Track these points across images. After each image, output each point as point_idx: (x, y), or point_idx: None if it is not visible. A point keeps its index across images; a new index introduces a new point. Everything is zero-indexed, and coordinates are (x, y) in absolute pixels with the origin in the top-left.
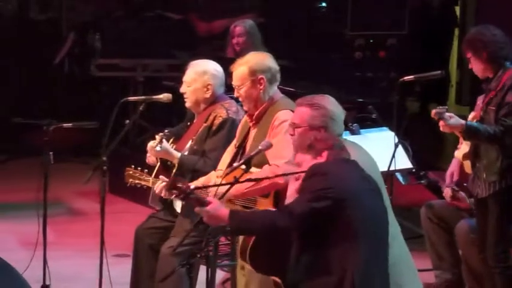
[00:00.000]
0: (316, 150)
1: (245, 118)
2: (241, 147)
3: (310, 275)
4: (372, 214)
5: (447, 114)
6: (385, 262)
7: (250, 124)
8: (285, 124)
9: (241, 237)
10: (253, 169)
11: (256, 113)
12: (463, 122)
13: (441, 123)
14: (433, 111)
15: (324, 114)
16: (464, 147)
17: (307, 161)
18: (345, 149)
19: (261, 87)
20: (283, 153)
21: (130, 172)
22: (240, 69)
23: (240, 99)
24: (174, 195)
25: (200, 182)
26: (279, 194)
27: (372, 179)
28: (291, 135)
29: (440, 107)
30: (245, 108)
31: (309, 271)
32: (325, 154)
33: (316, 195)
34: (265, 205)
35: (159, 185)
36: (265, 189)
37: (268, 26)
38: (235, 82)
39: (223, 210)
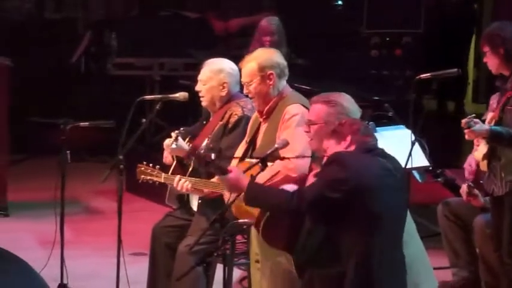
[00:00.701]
0: (340, 135)
1: (256, 114)
2: (251, 143)
3: (318, 261)
4: (388, 210)
5: (474, 120)
6: (397, 259)
7: (261, 119)
8: (296, 118)
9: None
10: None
11: (266, 108)
12: (487, 127)
13: (466, 130)
14: (463, 121)
15: (340, 111)
16: (482, 147)
17: (332, 146)
18: (371, 134)
19: (271, 82)
20: (294, 147)
21: (142, 168)
22: (249, 65)
23: (250, 95)
24: (196, 162)
25: (215, 179)
26: None
27: (396, 172)
28: (306, 132)
29: (469, 116)
30: (255, 104)
31: (317, 256)
32: (348, 138)
33: (330, 184)
34: None
35: (181, 183)
36: (279, 184)
37: (284, 25)
38: (244, 79)
39: (243, 180)
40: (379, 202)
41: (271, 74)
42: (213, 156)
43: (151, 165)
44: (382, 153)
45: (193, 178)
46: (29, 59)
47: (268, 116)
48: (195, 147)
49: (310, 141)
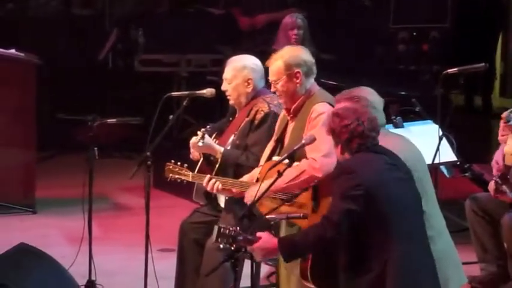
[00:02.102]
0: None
1: (284, 112)
2: (279, 141)
3: (351, 274)
4: (400, 203)
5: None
6: (425, 249)
7: (288, 118)
8: (322, 116)
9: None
10: (294, 163)
11: (294, 106)
12: None
13: (502, 124)
14: (504, 114)
15: (365, 105)
16: (511, 141)
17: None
18: (366, 135)
19: (298, 81)
20: (320, 147)
21: (170, 167)
22: (276, 64)
23: (277, 93)
24: (223, 245)
25: (245, 178)
26: (317, 187)
27: (401, 165)
28: None
29: (510, 110)
30: (282, 102)
31: (349, 270)
32: (339, 147)
33: (347, 195)
34: (305, 198)
35: (211, 183)
36: (304, 183)
37: (310, 20)
38: (271, 77)
39: (273, 242)
40: (392, 197)
41: (298, 72)
42: (238, 228)
43: (179, 163)
44: (382, 150)
45: (222, 178)
46: (56, 56)
47: (295, 115)
48: (220, 228)
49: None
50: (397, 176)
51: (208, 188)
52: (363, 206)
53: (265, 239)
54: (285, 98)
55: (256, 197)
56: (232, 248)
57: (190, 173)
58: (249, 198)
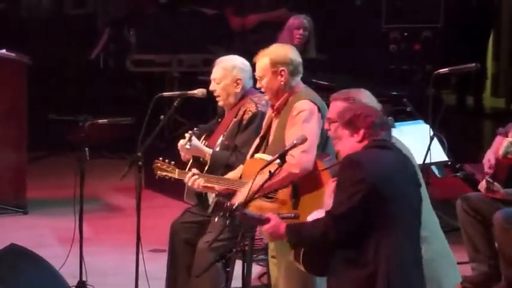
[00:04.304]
0: (354, 127)
1: (269, 109)
2: (264, 138)
3: (344, 267)
4: (406, 201)
5: None
6: (418, 250)
7: (273, 115)
8: (302, 114)
9: None
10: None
11: (277, 103)
12: None
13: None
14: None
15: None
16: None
17: (345, 137)
18: (385, 127)
19: (282, 79)
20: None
21: (158, 164)
22: (262, 60)
23: (262, 89)
24: (221, 216)
25: (230, 175)
26: (297, 184)
27: (410, 164)
28: (327, 129)
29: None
30: (267, 98)
31: (343, 263)
32: (361, 132)
33: (352, 191)
34: (284, 193)
35: (192, 179)
36: (283, 181)
37: None
38: (257, 73)
39: (281, 228)
40: (398, 195)
41: (283, 70)
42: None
43: (166, 161)
44: (392, 147)
45: (207, 174)
46: (47, 56)
47: (279, 112)
48: (218, 200)
49: (333, 141)
50: (404, 176)
51: (190, 184)
52: (367, 202)
53: (275, 223)
54: (270, 95)
55: (247, 199)
56: (228, 221)
57: (177, 170)
58: (240, 199)
